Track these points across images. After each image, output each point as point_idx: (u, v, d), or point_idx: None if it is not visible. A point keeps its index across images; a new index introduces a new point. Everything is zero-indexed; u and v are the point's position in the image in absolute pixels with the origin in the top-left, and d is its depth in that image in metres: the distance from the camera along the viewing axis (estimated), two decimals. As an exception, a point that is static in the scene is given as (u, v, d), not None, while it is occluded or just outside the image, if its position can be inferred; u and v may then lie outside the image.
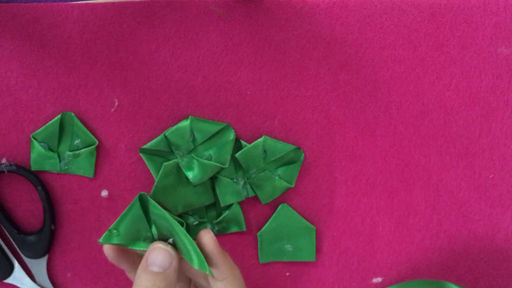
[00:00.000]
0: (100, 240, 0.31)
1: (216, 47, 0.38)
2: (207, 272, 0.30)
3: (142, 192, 0.31)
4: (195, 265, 0.30)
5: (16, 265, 0.39)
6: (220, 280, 0.32)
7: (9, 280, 0.39)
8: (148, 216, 0.31)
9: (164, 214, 0.31)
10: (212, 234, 0.32)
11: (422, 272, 0.40)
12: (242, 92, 0.38)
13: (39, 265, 0.39)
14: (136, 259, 0.34)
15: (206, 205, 0.38)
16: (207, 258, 0.31)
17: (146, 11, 0.37)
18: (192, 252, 0.31)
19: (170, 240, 0.31)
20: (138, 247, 0.32)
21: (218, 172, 0.37)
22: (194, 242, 0.31)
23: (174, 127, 0.37)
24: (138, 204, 0.31)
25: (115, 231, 0.31)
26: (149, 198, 0.31)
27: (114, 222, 0.31)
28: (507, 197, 0.39)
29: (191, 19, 0.37)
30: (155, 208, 0.31)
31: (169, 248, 0.31)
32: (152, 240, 0.32)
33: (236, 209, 0.38)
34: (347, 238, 0.39)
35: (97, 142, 0.38)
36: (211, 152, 0.37)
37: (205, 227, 0.39)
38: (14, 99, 0.38)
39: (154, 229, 0.32)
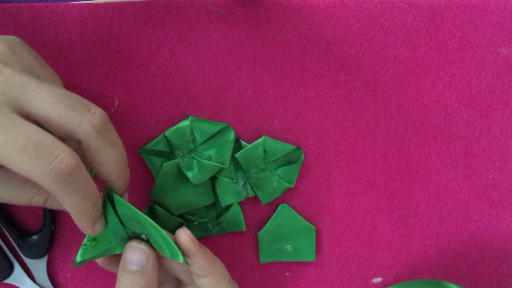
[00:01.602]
0: (75, 263, 0.31)
1: (216, 47, 0.38)
2: (181, 261, 0.29)
3: (107, 189, 0.31)
4: (167, 255, 0.30)
5: (16, 265, 0.39)
6: (203, 276, 0.32)
7: (9, 280, 0.39)
8: (118, 215, 0.31)
9: (131, 208, 0.30)
10: (189, 232, 0.31)
11: (422, 272, 0.40)
12: (242, 92, 0.38)
13: (39, 265, 0.39)
14: None
15: (206, 205, 0.38)
16: (186, 257, 0.31)
17: (146, 11, 0.37)
18: (162, 243, 0.30)
19: (143, 236, 0.31)
20: (117, 251, 0.31)
21: (218, 172, 0.37)
22: (163, 232, 0.30)
23: (174, 127, 0.37)
24: (107, 202, 0.30)
25: (88, 243, 0.31)
26: (114, 194, 0.30)
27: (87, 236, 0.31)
28: (507, 197, 0.39)
29: (191, 19, 0.37)
30: (121, 204, 0.30)
31: (143, 245, 0.31)
32: (128, 238, 0.31)
33: (236, 209, 0.38)
34: (347, 238, 0.39)
35: (97, 142, 0.38)
36: (211, 152, 0.37)
37: (206, 227, 0.39)
38: (14, 99, 0.38)
39: (125, 227, 0.31)
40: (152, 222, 0.30)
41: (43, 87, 0.28)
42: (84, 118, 0.28)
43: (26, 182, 0.31)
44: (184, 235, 0.31)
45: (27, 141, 0.26)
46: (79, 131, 0.28)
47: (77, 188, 0.27)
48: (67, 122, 0.28)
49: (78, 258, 0.31)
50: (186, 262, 0.30)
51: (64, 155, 0.27)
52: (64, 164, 0.26)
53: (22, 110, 0.27)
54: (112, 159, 0.30)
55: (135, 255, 0.31)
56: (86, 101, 0.29)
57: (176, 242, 0.31)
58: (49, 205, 0.32)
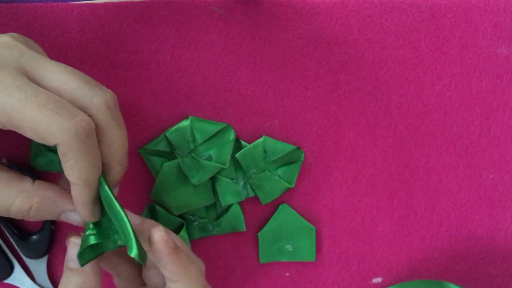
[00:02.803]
0: (83, 257, 0.29)
1: (216, 47, 0.38)
2: (132, 255, 0.28)
3: (100, 176, 0.29)
4: (127, 247, 0.28)
5: (16, 265, 0.39)
6: (174, 281, 0.30)
7: (9, 280, 0.39)
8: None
9: (108, 194, 0.29)
10: (163, 233, 0.29)
11: (422, 272, 0.40)
12: (242, 92, 0.38)
13: (39, 265, 0.39)
14: (114, 259, 0.33)
15: (206, 205, 0.38)
16: (158, 259, 0.30)
17: (146, 11, 0.37)
18: (123, 233, 0.29)
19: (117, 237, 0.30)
20: (111, 247, 0.30)
21: (218, 172, 0.37)
22: (128, 224, 0.28)
23: (174, 127, 0.37)
24: (103, 183, 0.29)
25: (88, 232, 0.29)
26: (101, 179, 0.29)
27: (87, 224, 0.30)
28: (507, 197, 0.39)
29: (191, 19, 0.37)
30: (102, 188, 0.29)
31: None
32: (117, 234, 0.30)
33: (236, 209, 0.38)
34: (347, 238, 0.39)
35: (97, 142, 0.38)
36: (211, 152, 0.37)
37: (206, 227, 0.39)
38: (14, 99, 0.38)
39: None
40: (121, 211, 0.28)
41: (57, 63, 0.28)
42: (96, 93, 0.29)
43: (9, 181, 0.30)
44: (157, 236, 0.29)
45: (47, 97, 0.26)
46: (91, 105, 0.28)
47: (91, 152, 0.28)
48: (80, 95, 0.28)
49: (80, 258, 0.29)
50: (139, 260, 0.28)
51: (84, 116, 0.27)
52: (85, 123, 0.27)
53: (35, 81, 0.27)
54: (117, 140, 0.30)
55: (73, 251, 0.30)
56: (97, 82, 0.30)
57: (149, 241, 0.30)
58: (33, 214, 0.30)
